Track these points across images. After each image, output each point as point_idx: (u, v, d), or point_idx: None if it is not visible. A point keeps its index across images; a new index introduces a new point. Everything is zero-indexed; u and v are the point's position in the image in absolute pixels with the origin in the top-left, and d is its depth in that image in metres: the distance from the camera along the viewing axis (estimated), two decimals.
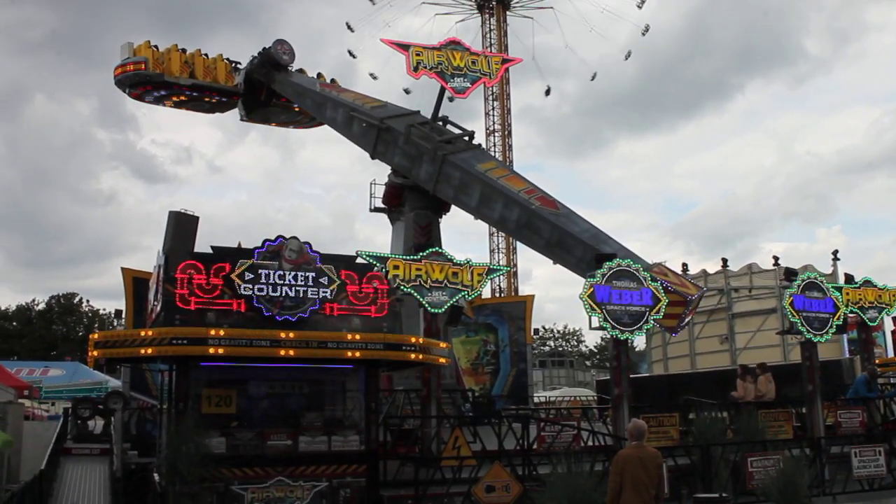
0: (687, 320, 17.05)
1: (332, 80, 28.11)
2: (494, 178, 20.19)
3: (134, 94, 27.73)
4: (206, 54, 28.17)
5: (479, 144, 22.90)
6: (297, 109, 28.88)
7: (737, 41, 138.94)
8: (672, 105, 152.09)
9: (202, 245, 13.24)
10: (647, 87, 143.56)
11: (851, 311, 18.97)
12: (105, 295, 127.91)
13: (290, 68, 27.40)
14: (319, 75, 28.20)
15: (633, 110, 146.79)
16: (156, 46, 27.32)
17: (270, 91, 28.07)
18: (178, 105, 28.75)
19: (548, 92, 61.36)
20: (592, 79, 60.88)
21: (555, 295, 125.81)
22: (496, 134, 56.21)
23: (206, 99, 28.32)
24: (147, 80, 26.92)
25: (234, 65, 28.43)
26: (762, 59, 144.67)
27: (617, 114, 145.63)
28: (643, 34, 58.07)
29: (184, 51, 27.78)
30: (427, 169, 21.48)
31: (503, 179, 20.21)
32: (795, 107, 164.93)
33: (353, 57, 59.21)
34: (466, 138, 22.31)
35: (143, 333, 12.38)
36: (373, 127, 23.04)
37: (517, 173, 21.87)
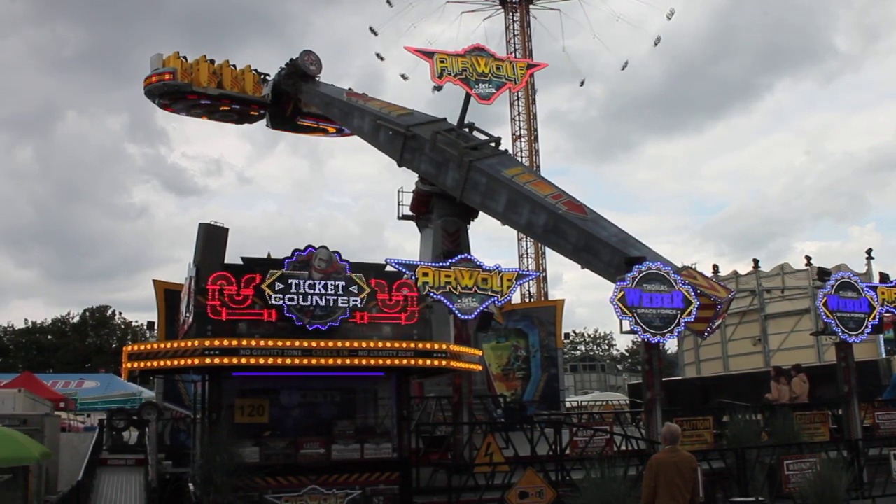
0: (717, 324, 16.87)
1: (363, 94, 28.33)
2: (521, 183, 20.18)
3: (164, 104, 28.11)
4: (234, 65, 28.46)
5: (506, 150, 22.89)
6: (318, 126, 29.08)
7: (764, 40, 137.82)
8: (700, 106, 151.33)
9: (233, 256, 13.35)
10: (674, 88, 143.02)
11: (887, 311, 18.70)
12: (137, 307, 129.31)
13: (317, 79, 27.58)
14: (349, 91, 28.43)
15: (661, 112, 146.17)
16: (184, 57, 27.67)
17: (296, 109, 28.29)
18: (207, 115, 28.99)
19: (582, 83, 62.38)
20: (623, 68, 60.85)
21: (585, 299, 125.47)
22: (522, 139, 56.11)
23: (233, 109, 28.54)
24: (175, 90, 27.29)
25: (262, 76, 28.70)
26: (790, 57, 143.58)
27: (645, 116, 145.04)
28: (669, 18, 58.16)
29: (212, 62, 28.12)
30: (454, 175, 21.51)
31: (530, 185, 20.21)
32: (825, 105, 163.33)
33: (381, 59, 59.38)
34: (493, 144, 22.30)
35: (176, 345, 12.48)
36: (399, 135, 23.12)
37: (544, 178, 21.86)
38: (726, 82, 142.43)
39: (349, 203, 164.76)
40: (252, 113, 29.31)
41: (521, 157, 54.39)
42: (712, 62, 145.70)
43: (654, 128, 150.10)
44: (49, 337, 70.59)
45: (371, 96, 26.87)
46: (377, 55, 59.13)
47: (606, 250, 18.03)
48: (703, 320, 16.06)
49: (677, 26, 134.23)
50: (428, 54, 20.35)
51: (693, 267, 18.03)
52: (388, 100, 26.55)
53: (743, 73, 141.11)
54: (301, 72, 27.33)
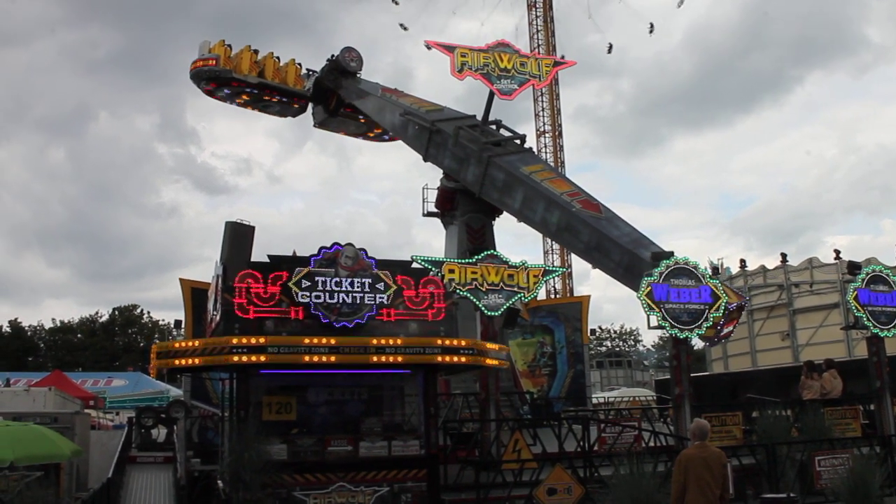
0: (726, 331, 16.56)
1: (395, 89, 28.42)
2: (538, 180, 20.08)
3: (207, 89, 28.50)
4: (277, 57, 28.82)
5: (530, 148, 22.79)
6: (363, 121, 29.21)
7: (795, 33, 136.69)
8: (729, 100, 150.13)
9: (260, 255, 13.39)
10: (703, 82, 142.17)
11: None
12: (167, 306, 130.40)
13: (358, 75, 27.73)
14: (384, 87, 28.55)
15: (690, 107, 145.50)
16: (229, 46, 28.18)
17: (339, 101, 28.48)
18: (249, 105, 29.35)
19: (609, 49, 61.91)
20: (650, 31, 60.59)
21: (612, 295, 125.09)
22: (547, 135, 55.88)
23: (273, 99, 28.81)
24: (217, 76, 27.72)
25: (309, 72, 28.91)
26: (822, 49, 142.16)
27: (673, 111, 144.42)
28: (678, 6, 58.02)
29: (256, 52, 28.48)
30: (474, 171, 21.50)
31: (547, 182, 20.07)
32: (857, 97, 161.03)
33: (405, 29, 59.00)
34: (518, 142, 22.22)
35: (204, 343, 12.54)
36: (424, 129, 23.16)
37: (564, 176, 21.69)
38: (757, 75, 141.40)
39: (376, 201, 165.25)
40: (294, 105, 29.54)
41: (546, 152, 54.17)
42: (742, 55, 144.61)
43: (683, 122, 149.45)
44: (78, 336, 71.31)
45: (406, 93, 26.89)
46: (401, 25, 58.49)
47: (617, 250, 17.84)
48: (712, 325, 15.88)
49: (707, 20, 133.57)
50: (449, 48, 20.27)
51: (705, 269, 17.80)
52: (424, 91, 26.67)
53: (774, 65, 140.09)
54: (341, 68, 27.68)
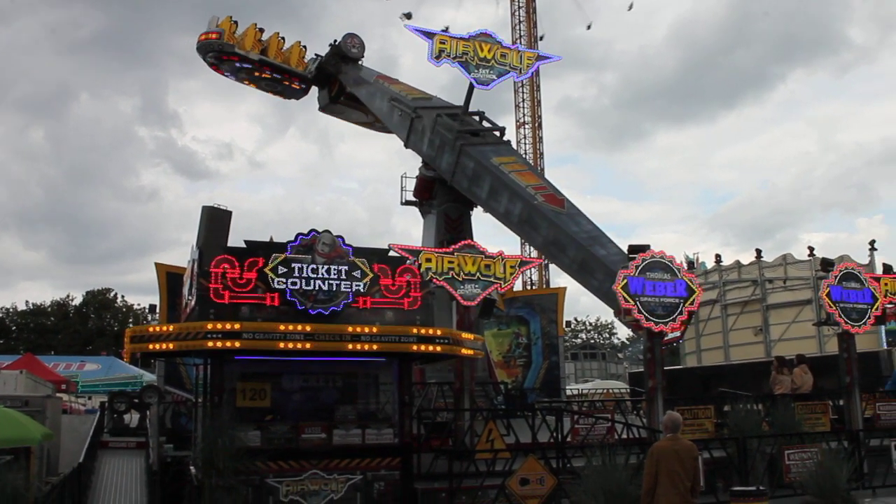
0: (674, 335, 16.53)
1: (390, 77, 28.38)
2: (506, 171, 20.12)
3: (212, 63, 28.48)
4: (283, 38, 28.85)
5: (508, 141, 22.80)
6: (362, 110, 29.17)
7: (779, 31, 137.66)
8: (712, 95, 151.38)
9: (240, 240, 13.31)
10: (687, 77, 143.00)
11: (891, 303, 18.67)
12: (144, 290, 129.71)
13: (360, 63, 27.61)
14: (379, 74, 28.46)
15: (674, 101, 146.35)
16: (236, 23, 28.19)
17: (340, 88, 28.43)
18: (250, 81, 29.32)
19: (589, 27, 63.02)
20: (629, 8, 61.21)
21: None
22: (526, 126, 55.98)
23: (273, 77, 28.83)
24: (220, 50, 27.73)
25: (316, 57, 28.82)
26: (805, 48, 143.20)
27: (657, 105, 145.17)
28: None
29: (261, 30, 28.57)
30: (448, 159, 21.57)
31: (514, 174, 20.11)
32: (838, 96, 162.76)
33: (409, 17, 59.12)
34: (497, 133, 22.23)
35: (178, 327, 12.46)
36: (407, 116, 23.27)
37: (535, 170, 21.74)
38: (740, 72, 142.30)
39: (357, 188, 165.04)
40: (294, 87, 29.48)
41: (525, 144, 54.31)
42: (727, 51, 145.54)
43: (666, 116, 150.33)
44: (51, 319, 70.67)
45: (400, 81, 26.82)
46: (404, 14, 58.48)
47: (573, 246, 17.84)
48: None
49: (693, 15, 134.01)
50: (428, 35, 20.19)
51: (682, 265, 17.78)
52: (406, 83, 26.59)
53: (757, 62, 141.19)
54: (342, 53, 27.67)
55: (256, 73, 28.59)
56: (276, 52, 28.41)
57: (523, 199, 19.16)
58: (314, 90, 29.73)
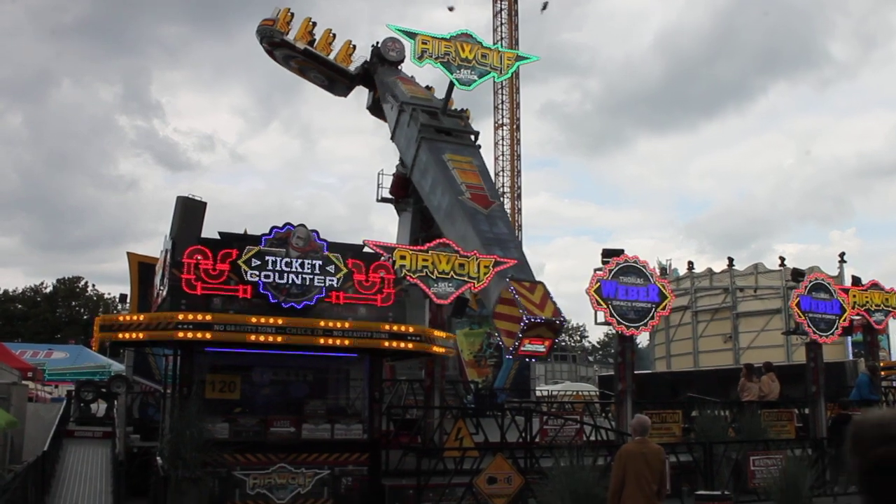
0: (522, 346, 15.87)
1: (407, 77, 28.43)
2: (451, 167, 20.47)
3: (267, 49, 29.06)
4: (334, 34, 29.18)
5: (479, 145, 22.90)
6: None
7: (763, 43, 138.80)
8: (694, 104, 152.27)
9: (215, 232, 13.25)
10: (671, 86, 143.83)
11: (859, 315, 18.93)
12: (118, 280, 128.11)
13: (399, 67, 27.57)
14: (400, 75, 28.52)
15: (656, 109, 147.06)
16: (292, 14, 28.82)
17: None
18: (299, 72, 29.77)
19: (544, 7, 60.71)
20: (543, 9, 61.11)
21: (564, 290, 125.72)
22: (504, 128, 56.01)
23: (316, 69, 29.14)
24: (270, 36, 28.43)
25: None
26: (787, 61, 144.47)
27: (639, 112, 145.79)
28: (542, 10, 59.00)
29: (314, 24, 28.96)
30: (411, 152, 22.03)
31: (457, 171, 20.43)
32: (817, 109, 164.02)
33: (451, 10, 59.74)
34: (472, 137, 22.52)
35: (149, 317, 12.38)
36: (395, 110, 23.56)
37: (484, 173, 21.63)
38: (722, 82, 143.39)
39: (337, 184, 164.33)
40: (341, 82, 29.63)
41: (503, 145, 54.33)
42: (710, 62, 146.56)
43: (648, 124, 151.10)
44: (19, 306, 69.83)
45: (415, 82, 26.81)
46: (448, 8, 59.42)
47: (473, 244, 17.93)
48: (511, 335, 15.99)
49: (678, 24, 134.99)
50: (410, 35, 20.25)
51: (540, 282, 17.32)
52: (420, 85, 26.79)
53: (739, 73, 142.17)
54: (381, 55, 27.69)
55: (305, 64, 29.14)
56: (323, 44, 28.88)
57: (452, 193, 19.62)
58: (361, 90, 29.84)
